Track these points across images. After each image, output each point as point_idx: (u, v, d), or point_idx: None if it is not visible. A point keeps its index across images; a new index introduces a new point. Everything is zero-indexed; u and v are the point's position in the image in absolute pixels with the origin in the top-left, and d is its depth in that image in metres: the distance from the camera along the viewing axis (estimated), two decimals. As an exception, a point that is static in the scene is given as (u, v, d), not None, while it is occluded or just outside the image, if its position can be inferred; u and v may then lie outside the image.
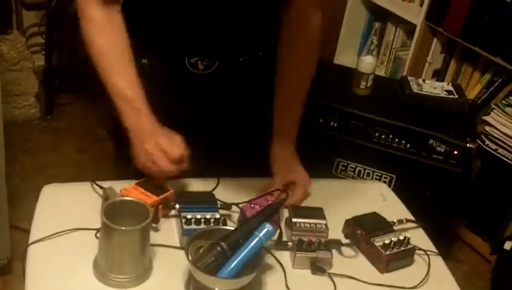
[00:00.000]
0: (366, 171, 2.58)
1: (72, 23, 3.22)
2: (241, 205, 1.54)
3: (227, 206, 1.52)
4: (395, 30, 3.43)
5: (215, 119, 1.73)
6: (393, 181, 2.56)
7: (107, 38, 1.49)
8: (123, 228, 1.25)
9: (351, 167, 2.59)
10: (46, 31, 3.57)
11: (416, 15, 3.17)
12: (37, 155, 3.33)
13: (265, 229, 1.31)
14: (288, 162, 1.70)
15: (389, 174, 2.56)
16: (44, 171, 3.20)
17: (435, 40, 3.18)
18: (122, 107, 1.49)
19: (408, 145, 2.53)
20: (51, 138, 3.48)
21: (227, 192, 1.60)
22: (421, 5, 3.20)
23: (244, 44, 1.66)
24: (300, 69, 1.68)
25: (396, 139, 2.53)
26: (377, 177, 2.56)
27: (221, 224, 1.43)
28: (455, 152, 2.49)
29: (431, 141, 2.50)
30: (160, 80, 1.63)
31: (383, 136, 2.54)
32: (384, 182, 2.52)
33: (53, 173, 3.18)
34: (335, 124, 2.56)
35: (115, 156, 1.96)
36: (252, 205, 1.51)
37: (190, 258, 1.29)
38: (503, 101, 2.87)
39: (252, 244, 1.30)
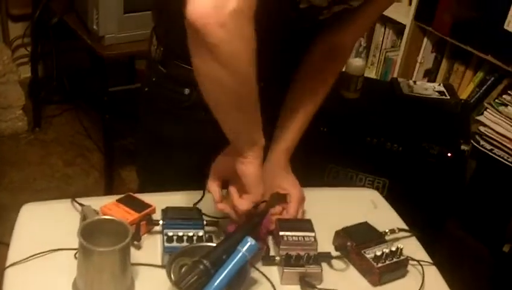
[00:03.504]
0: (359, 176, 2.53)
1: (57, 34, 3.23)
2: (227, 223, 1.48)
3: (213, 222, 1.47)
4: (384, 31, 3.39)
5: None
6: (387, 185, 2.51)
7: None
8: (101, 249, 1.20)
9: (342, 173, 2.55)
10: (31, 42, 3.52)
11: (405, 15, 3.14)
12: (25, 168, 3.30)
13: (248, 244, 1.26)
14: (284, 176, 1.63)
15: (382, 179, 2.51)
16: (33, 185, 3.16)
17: (425, 39, 3.14)
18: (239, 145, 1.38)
19: (400, 149, 2.48)
20: (38, 151, 3.45)
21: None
22: (410, 4, 3.16)
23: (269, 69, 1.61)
24: (319, 92, 1.64)
25: (388, 143, 2.48)
26: (370, 182, 2.51)
27: (204, 241, 1.37)
28: (449, 154, 2.44)
29: (424, 144, 2.46)
30: (204, 110, 1.59)
31: (375, 140, 2.49)
32: (378, 186, 2.47)
33: (41, 186, 3.15)
34: (325, 129, 2.51)
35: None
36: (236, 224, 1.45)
37: (173, 277, 1.24)
38: (496, 100, 2.83)
39: (235, 260, 1.25)
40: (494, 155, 2.78)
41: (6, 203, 2.84)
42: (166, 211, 1.46)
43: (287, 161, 1.64)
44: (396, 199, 1.79)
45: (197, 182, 1.62)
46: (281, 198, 1.57)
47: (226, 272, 1.24)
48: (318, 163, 2.55)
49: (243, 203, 1.40)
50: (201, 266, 1.23)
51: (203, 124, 1.56)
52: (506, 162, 2.75)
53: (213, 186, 1.44)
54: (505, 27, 2.69)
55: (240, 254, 1.25)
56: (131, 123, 3.10)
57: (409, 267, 1.47)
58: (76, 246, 1.32)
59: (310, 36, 1.59)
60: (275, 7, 1.41)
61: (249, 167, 1.37)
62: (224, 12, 1.11)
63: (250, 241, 1.26)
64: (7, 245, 2.38)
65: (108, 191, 3.04)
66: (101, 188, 3.11)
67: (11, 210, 2.71)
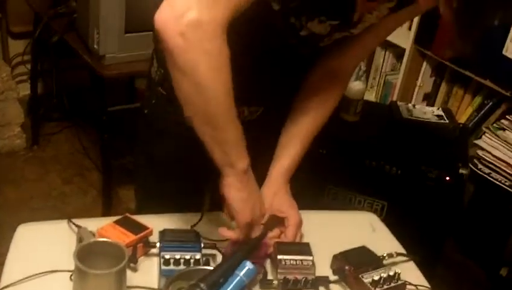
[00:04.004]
0: (358, 198, 2.53)
1: (57, 52, 3.24)
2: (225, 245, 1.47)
3: (211, 245, 1.46)
4: (385, 54, 3.40)
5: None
6: (385, 208, 2.50)
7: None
8: (96, 271, 1.20)
9: (341, 195, 2.54)
10: (31, 60, 3.53)
11: (405, 38, 3.14)
12: (22, 186, 3.29)
13: (246, 268, 1.25)
14: (282, 198, 1.61)
15: (380, 201, 2.51)
16: (29, 203, 3.15)
17: (424, 63, 3.15)
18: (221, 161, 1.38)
19: (399, 172, 2.48)
20: (36, 169, 3.43)
21: (214, 228, 1.52)
22: (410, 28, 3.17)
23: (290, 91, 1.63)
24: (319, 115, 1.64)
25: (387, 166, 2.48)
26: (369, 204, 2.51)
27: (202, 265, 1.37)
28: (447, 178, 2.44)
29: (423, 167, 2.45)
30: None
31: (374, 163, 2.49)
32: (376, 209, 2.47)
33: (38, 204, 3.13)
34: (324, 151, 2.51)
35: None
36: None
37: (169, 301, 1.24)
38: (494, 125, 2.83)
39: (233, 284, 1.24)
40: (492, 179, 2.78)
41: (2, 222, 2.82)
42: (163, 233, 1.45)
43: (286, 183, 1.63)
44: (394, 222, 1.78)
45: (195, 204, 1.61)
46: (278, 221, 1.57)
47: (223, 296, 1.23)
48: (317, 184, 2.54)
49: (225, 232, 1.41)
50: (198, 290, 1.22)
51: (202, 146, 1.55)
52: (504, 186, 2.74)
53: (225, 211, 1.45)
54: (504, 53, 2.70)
55: (238, 278, 1.25)
56: (130, 142, 3.10)
57: (407, 292, 1.47)
58: (71, 267, 1.31)
59: (310, 61, 1.60)
60: (275, 34, 1.42)
61: (230, 189, 1.37)
62: (183, 22, 1.16)
63: (248, 266, 1.26)
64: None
65: (106, 210, 3.03)
66: (98, 207, 3.09)
67: (8, 228, 2.70)
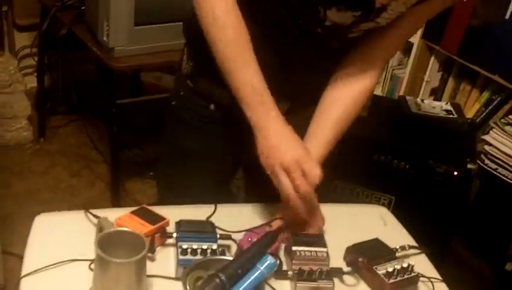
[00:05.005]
0: (365, 193, 2.54)
1: (64, 45, 3.24)
2: (239, 237, 1.48)
3: (227, 236, 1.47)
4: (392, 48, 3.40)
5: None
6: (393, 203, 2.51)
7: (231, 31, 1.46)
8: (118, 260, 1.21)
9: (349, 189, 2.55)
10: (38, 52, 3.53)
11: (413, 33, 3.15)
12: (30, 179, 3.29)
13: (268, 262, 1.26)
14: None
15: (388, 196, 2.52)
16: (37, 195, 3.16)
17: (432, 58, 3.15)
18: (247, 98, 1.45)
19: (407, 166, 2.49)
20: (43, 161, 3.44)
21: (228, 219, 1.54)
22: (418, 23, 3.17)
23: (316, 90, 1.62)
24: (354, 105, 1.62)
25: (395, 161, 2.49)
26: (376, 199, 2.52)
27: (218, 255, 1.38)
28: (455, 173, 2.45)
29: (430, 162, 2.46)
30: (229, 123, 1.61)
31: (382, 157, 2.50)
32: (384, 203, 2.48)
33: (46, 197, 3.14)
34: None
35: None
36: (250, 239, 1.45)
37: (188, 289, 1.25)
38: (502, 120, 2.84)
39: (253, 277, 1.25)
40: (498, 174, 2.79)
41: (12, 214, 2.83)
42: (180, 224, 1.46)
43: None
44: (402, 216, 1.79)
45: (214, 195, 1.63)
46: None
47: (242, 288, 1.24)
48: (324, 179, 2.55)
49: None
50: (218, 280, 1.23)
51: (224, 139, 1.58)
52: (511, 181, 2.75)
53: None
54: (513, 47, 2.71)
55: (259, 272, 1.26)
56: (137, 135, 3.11)
57: (420, 284, 1.48)
58: (90, 256, 1.33)
59: (340, 57, 1.59)
60: (302, 23, 1.44)
61: (258, 141, 1.44)
62: None
63: (269, 260, 1.27)
64: (14, 255, 2.42)
65: (114, 203, 3.04)
66: (106, 199, 3.10)
67: (17, 220, 2.74)
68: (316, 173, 1.47)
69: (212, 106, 1.65)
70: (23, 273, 1.34)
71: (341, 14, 1.41)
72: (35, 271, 1.34)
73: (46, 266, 1.35)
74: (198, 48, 1.57)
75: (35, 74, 3.63)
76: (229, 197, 1.80)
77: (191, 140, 1.70)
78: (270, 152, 1.45)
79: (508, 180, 2.77)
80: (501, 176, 2.79)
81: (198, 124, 1.67)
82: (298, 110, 1.62)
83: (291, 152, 1.44)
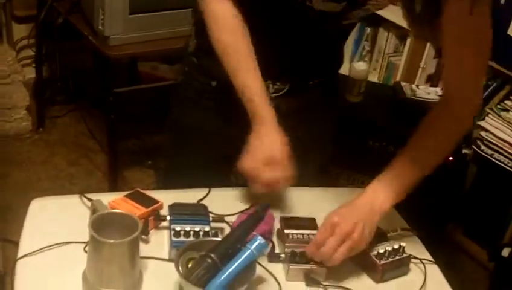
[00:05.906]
0: (360, 179, 2.55)
1: (61, 34, 3.25)
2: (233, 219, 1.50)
3: (219, 218, 1.49)
4: (388, 35, 3.40)
5: None
6: (388, 188, 2.52)
7: (232, 36, 1.54)
8: (111, 241, 1.22)
9: (344, 175, 2.56)
10: (36, 43, 3.54)
11: (409, 20, 3.15)
12: (29, 168, 3.31)
13: (257, 242, 1.28)
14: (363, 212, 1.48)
15: (383, 182, 2.52)
16: (37, 185, 3.17)
17: (428, 45, 3.15)
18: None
19: (402, 152, 2.49)
20: (42, 151, 3.46)
21: (221, 203, 1.57)
22: (413, 10, 3.17)
23: (314, 68, 1.69)
24: (439, 151, 1.67)
25: (391, 146, 2.50)
26: (371, 185, 2.52)
27: (211, 237, 1.40)
28: (450, 158, 2.46)
29: (426, 148, 2.47)
30: (228, 101, 1.62)
31: (377, 143, 2.51)
32: (379, 189, 2.48)
33: (45, 186, 3.15)
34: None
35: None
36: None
37: (181, 271, 1.26)
38: (498, 106, 2.85)
39: (243, 257, 1.27)
40: (494, 160, 2.80)
41: (12, 203, 2.85)
42: (173, 207, 1.48)
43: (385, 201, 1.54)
44: (397, 202, 1.79)
45: (212, 175, 1.69)
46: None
47: (232, 268, 1.26)
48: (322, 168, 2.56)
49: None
50: (209, 260, 1.25)
51: (224, 118, 1.61)
52: (507, 167, 2.77)
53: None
54: (509, 33, 2.71)
55: (248, 251, 1.27)
56: (135, 125, 3.12)
57: (411, 266, 1.50)
58: (85, 239, 1.35)
59: (337, 39, 1.68)
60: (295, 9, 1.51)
61: (251, 136, 1.49)
62: None
63: (259, 240, 1.28)
64: (13, 243, 2.44)
65: (112, 191, 3.06)
66: (104, 188, 3.12)
67: (17, 210, 2.75)
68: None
69: (213, 83, 1.70)
70: (19, 255, 1.36)
71: (326, 4, 1.48)
72: (31, 253, 1.36)
73: (42, 248, 1.37)
74: (203, 27, 1.60)
75: (34, 65, 3.63)
76: (228, 178, 1.84)
77: (192, 116, 1.76)
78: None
79: (504, 166, 2.78)
80: (497, 161, 2.80)
81: (200, 101, 1.73)
82: (298, 91, 1.68)
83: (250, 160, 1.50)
